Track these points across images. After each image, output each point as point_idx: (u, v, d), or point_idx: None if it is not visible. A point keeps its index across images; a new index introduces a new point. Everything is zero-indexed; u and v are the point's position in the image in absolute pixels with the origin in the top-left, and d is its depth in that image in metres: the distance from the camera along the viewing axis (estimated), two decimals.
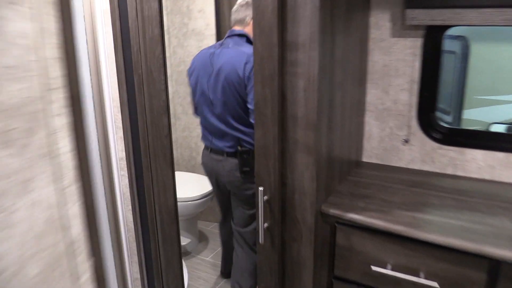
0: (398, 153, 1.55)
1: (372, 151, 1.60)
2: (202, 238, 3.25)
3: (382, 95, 1.53)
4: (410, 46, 1.45)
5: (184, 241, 3.02)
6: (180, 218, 2.99)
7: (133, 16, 1.28)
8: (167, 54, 3.26)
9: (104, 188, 1.69)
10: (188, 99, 3.30)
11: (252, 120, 1.78)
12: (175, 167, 3.53)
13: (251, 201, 2.01)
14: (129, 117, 1.47)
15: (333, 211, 1.20)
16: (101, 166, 1.65)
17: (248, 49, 1.81)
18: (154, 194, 1.46)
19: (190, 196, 2.80)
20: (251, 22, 1.55)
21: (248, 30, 1.89)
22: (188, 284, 2.59)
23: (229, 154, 1.95)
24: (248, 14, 1.87)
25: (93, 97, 1.56)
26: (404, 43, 1.46)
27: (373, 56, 1.52)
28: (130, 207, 1.66)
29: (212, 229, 3.34)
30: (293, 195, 1.18)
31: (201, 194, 2.82)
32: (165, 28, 3.22)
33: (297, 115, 1.10)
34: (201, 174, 3.16)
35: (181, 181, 3.04)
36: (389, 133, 1.55)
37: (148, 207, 1.53)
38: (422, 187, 1.35)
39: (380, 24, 1.49)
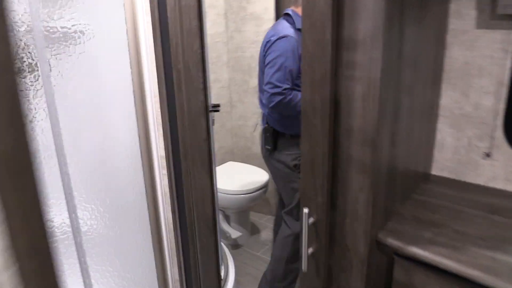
0: (477, 168, 1.30)
1: (444, 163, 1.36)
2: (254, 231, 3.14)
3: (461, 98, 1.28)
4: (500, 40, 1.18)
5: (235, 234, 2.93)
6: (231, 210, 2.90)
7: (172, 4, 1.14)
8: (224, 39, 3.13)
9: (145, 185, 1.60)
10: (244, 86, 3.16)
11: (263, 100, 1.84)
12: (230, 156, 3.43)
13: (279, 179, 2.05)
14: (168, 116, 1.35)
15: (392, 242, 1.00)
16: (142, 162, 1.56)
17: (281, 27, 1.79)
18: (192, 202, 1.34)
19: (242, 189, 2.69)
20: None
21: (300, 10, 1.82)
22: (235, 279, 2.50)
23: (263, 130, 2.04)
24: None
25: (133, 90, 1.46)
26: (493, 36, 1.19)
27: (451, 51, 1.27)
28: (170, 208, 1.57)
29: (266, 222, 3.22)
30: (344, 219, 1.00)
31: (254, 188, 2.70)
32: (223, 12, 3.08)
33: (352, 127, 0.91)
34: (256, 166, 3.03)
35: (234, 171, 2.93)
36: (466, 143, 1.30)
37: (187, 215, 1.41)
38: (506, 215, 1.11)
39: (462, 12, 1.23)
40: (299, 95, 1.76)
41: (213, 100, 3.19)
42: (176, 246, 1.62)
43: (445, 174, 1.36)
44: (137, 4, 1.35)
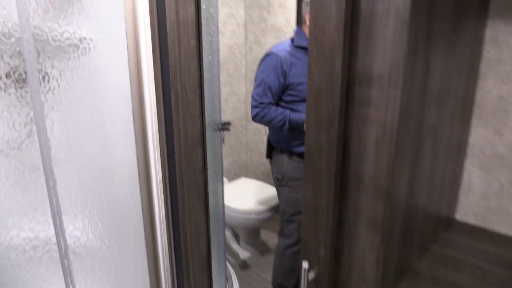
0: (508, 217, 1.13)
1: (471, 208, 1.20)
2: (265, 251, 3.00)
3: (493, 137, 1.12)
4: None
5: (244, 254, 2.80)
6: (240, 229, 2.78)
7: (172, 19, 1.03)
8: (243, 51, 3.02)
9: (142, 210, 1.49)
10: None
11: None
12: (244, 171, 3.32)
13: (277, 188, 2.10)
14: (166, 138, 1.24)
15: None
16: (140, 184, 1.46)
17: (277, 44, 1.87)
18: (187, 235, 1.22)
19: (252, 209, 2.56)
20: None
21: (306, 28, 1.85)
22: None
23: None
24: (307, 10, 1.82)
25: (132, 109, 1.36)
26: None
27: (485, 83, 1.12)
28: (166, 235, 1.45)
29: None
30: (349, 277, 0.86)
31: (263, 209, 2.57)
32: (242, 23, 2.98)
33: (363, 175, 0.78)
34: (269, 184, 2.90)
35: (246, 189, 2.81)
36: (498, 188, 1.14)
37: (182, 247, 1.29)
38: None
39: (499, 39, 1.08)
40: (278, 110, 1.84)
41: (229, 113, 3.08)
42: (171, 276, 1.51)
43: (471, 220, 1.20)
44: (139, 17, 1.25)
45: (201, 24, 0.97)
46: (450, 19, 0.87)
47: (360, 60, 0.74)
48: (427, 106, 0.84)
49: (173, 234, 1.36)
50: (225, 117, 3.06)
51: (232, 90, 3.04)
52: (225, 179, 2.98)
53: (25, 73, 1.13)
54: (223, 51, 2.86)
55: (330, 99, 0.75)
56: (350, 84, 0.75)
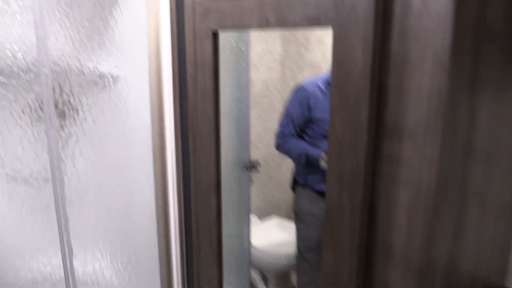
0: None
1: None
2: None
3: None
4: None
5: None
6: (269, 273, 2.65)
7: (191, 58, 0.97)
8: (278, 86, 2.97)
9: (159, 254, 1.41)
10: None
11: None
12: (276, 210, 3.19)
13: (294, 222, 2.08)
14: (183, 185, 1.17)
15: None
16: (157, 228, 1.39)
17: (311, 78, 1.88)
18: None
19: (283, 253, 2.43)
20: None
21: None
22: None
23: None
24: None
25: (153, 148, 1.31)
26: None
27: None
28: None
29: None
30: None
31: (292, 253, 2.42)
32: (279, 58, 2.93)
33: (392, 246, 0.65)
34: None
35: (277, 229, 2.69)
36: None
37: None
38: None
39: None
40: (299, 143, 1.86)
41: (263, 149, 3.00)
42: None
43: None
44: (163, 55, 1.21)
45: (218, 63, 0.90)
46: (499, 62, 0.75)
47: (390, 110, 0.63)
48: (471, 163, 0.72)
49: (188, 286, 1.26)
50: (258, 153, 2.99)
51: (267, 126, 2.97)
52: (255, 218, 2.88)
53: (41, 109, 1.10)
54: (258, 86, 2.82)
55: (354, 154, 0.65)
56: (378, 138, 0.64)
